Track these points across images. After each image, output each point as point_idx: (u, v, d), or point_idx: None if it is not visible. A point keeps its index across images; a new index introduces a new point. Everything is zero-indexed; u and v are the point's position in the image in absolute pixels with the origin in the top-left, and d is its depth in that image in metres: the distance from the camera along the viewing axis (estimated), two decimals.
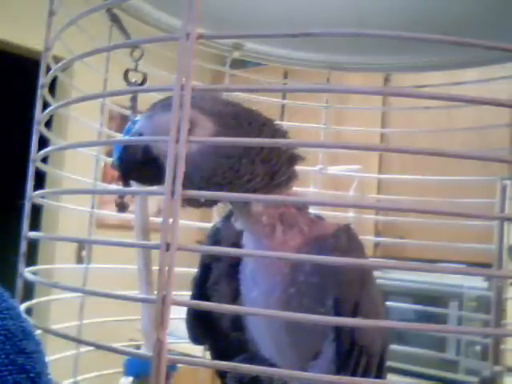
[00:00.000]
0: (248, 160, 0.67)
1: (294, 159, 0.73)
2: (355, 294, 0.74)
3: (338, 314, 0.72)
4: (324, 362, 0.76)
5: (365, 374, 0.75)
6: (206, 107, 0.67)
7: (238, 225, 0.77)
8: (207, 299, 0.85)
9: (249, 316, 0.81)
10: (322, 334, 0.75)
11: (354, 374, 0.74)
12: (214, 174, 0.66)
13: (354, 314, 0.72)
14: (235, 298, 0.81)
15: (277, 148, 0.70)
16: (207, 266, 0.86)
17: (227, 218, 0.84)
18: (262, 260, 0.76)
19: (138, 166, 0.67)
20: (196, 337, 0.89)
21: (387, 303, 1.80)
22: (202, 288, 0.86)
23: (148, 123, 0.67)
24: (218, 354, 0.92)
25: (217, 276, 0.85)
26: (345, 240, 0.74)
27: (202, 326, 0.87)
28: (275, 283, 0.75)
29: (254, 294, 0.78)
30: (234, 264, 0.82)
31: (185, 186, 0.48)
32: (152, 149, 0.66)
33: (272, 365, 0.81)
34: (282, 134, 0.73)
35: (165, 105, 0.66)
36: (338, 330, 0.73)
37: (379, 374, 0.79)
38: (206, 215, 1.23)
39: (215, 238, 0.85)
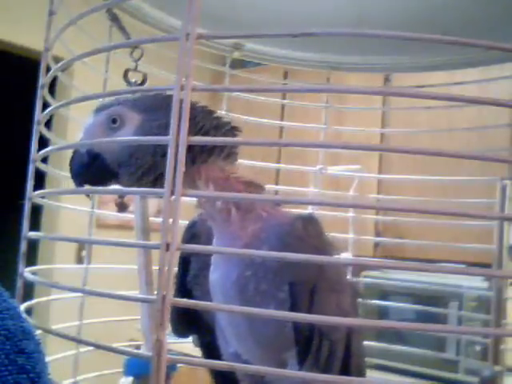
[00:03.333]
0: None
1: (221, 126, 0.73)
2: (311, 278, 0.73)
3: (293, 298, 0.72)
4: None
5: (328, 362, 0.74)
6: (128, 103, 0.73)
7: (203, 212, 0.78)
8: (190, 293, 0.85)
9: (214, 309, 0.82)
10: (282, 323, 0.74)
11: (316, 362, 0.73)
12: (149, 155, 0.69)
13: (311, 299, 0.72)
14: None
15: (199, 117, 0.71)
16: (186, 260, 0.87)
17: None
18: (222, 243, 0.76)
19: (86, 167, 0.72)
20: (179, 329, 0.88)
21: (387, 303, 1.81)
22: (183, 282, 0.86)
23: (83, 130, 0.74)
24: (205, 348, 0.91)
25: (196, 269, 0.85)
26: (300, 225, 0.74)
27: (185, 318, 0.87)
28: (232, 265, 0.75)
29: (214, 277, 0.78)
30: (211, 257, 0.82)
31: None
32: (94, 149, 0.72)
33: (244, 361, 0.81)
34: (200, 109, 0.73)
35: (97, 108, 0.74)
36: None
37: (347, 364, 0.77)
38: None
39: (192, 231, 0.86)
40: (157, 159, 0.69)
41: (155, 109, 0.72)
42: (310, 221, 0.77)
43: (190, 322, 0.88)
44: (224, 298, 0.76)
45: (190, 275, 0.86)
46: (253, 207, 0.75)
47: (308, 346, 0.73)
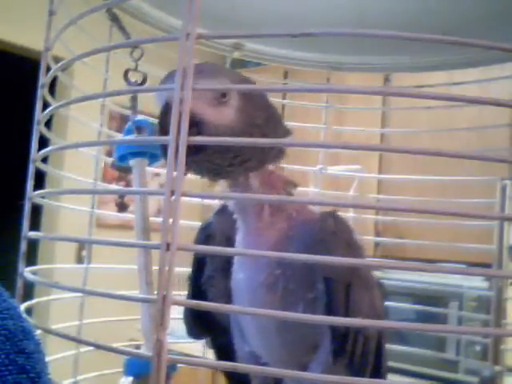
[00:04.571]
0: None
1: (285, 135, 0.78)
2: (347, 275, 0.73)
3: (330, 296, 0.72)
4: (324, 356, 0.75)
5: (362, 359, 0.74)
6: (236, 79, 0.71)
7: (230, 204, 0.78)
8: (204, 295, 0.84)
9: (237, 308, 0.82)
10: (314, 324, 0.74)
11: (351, 359, 0.73)
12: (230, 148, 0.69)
13: (347, 296, 0.72)
14: (231, 292, 0.80)
15: (272, 124, 0.74)
16: (201, 261, 0.86)
17: (220, 212, 0.84)
18: (249, 242, 0.76)
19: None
20: (194, 331, 0.88)
21: (387, 303, 1.80)
22: (197, 284, 0.86)
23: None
24: (219, 350, 0.91)
25: (211, 270, 0.85)
26: (332, 222, 0.75)
27: (200, 321, 0.87)
28: (260, 265, 0.75)
29: (239, 277, 0.77)
30: (228, 257, 0.81)
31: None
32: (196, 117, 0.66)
33: (264, 364, 0.81)
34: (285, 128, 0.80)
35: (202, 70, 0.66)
36: (332, 314, 0.71)
37: (378, 361, 0.78)
38: (206, 215, 1.23)
39: (207, 231, 0.85)
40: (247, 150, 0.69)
41: (258, 99, 0.72)
42: (338, 218, 0.77)
43: (205, 324, 0.87)
44: (250, 298, 0.75)
45: (204, 277, 0.85)
46: (284, 206, 0.76)
47: (343, 341, 0.73)
